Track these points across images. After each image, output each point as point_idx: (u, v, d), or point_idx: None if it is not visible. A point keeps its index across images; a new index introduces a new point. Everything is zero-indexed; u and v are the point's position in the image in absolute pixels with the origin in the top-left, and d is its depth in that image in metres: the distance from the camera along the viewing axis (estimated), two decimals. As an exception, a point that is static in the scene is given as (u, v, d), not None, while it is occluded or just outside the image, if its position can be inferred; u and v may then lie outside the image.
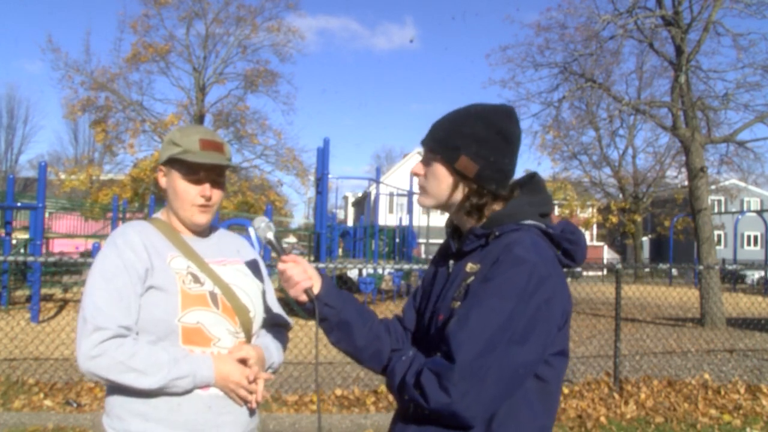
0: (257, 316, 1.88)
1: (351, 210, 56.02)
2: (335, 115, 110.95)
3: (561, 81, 15.75)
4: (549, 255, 1.47)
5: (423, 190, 1.61)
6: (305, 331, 8.18)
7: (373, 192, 21.24)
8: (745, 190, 36.93)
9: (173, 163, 1.81)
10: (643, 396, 6.16)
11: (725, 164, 18.14)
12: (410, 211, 21.38)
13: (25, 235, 15.08)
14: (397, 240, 19.89)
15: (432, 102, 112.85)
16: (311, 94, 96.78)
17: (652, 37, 14.43)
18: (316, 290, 1.59)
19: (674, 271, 30.05)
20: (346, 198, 56.95)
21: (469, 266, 1.50)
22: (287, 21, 33.35)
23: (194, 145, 1.79)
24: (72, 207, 22.45)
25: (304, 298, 1.59)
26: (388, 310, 13.96)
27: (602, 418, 5.51)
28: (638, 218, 36.68)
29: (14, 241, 14.32)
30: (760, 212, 29.18)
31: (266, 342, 1.90)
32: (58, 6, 75.54)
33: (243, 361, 1.75)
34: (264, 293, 1.96)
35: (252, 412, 1.83)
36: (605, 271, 30.74)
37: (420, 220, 27.95)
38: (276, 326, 2.01)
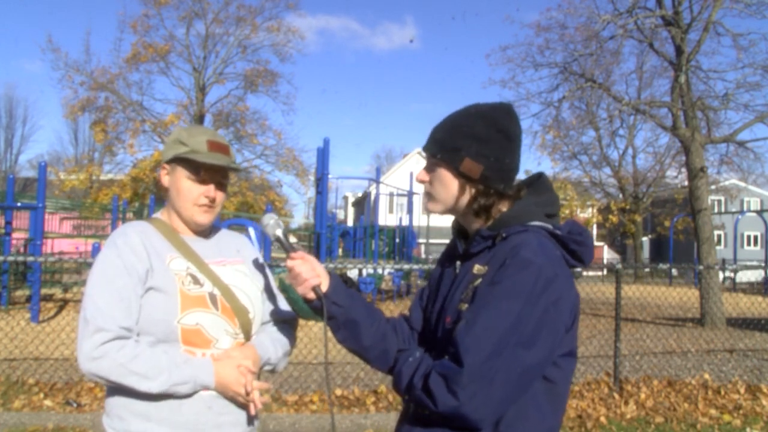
0: (257, 317, 1.88)
1: (351, 210, 56.01)
2: (335, 115, 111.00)
3: (561, 81, 15.75)
4: (556, 256, 1.47)
5: (430, 196, 1.60)
6: (305, 332, 8.18)
7: (373, 192, 21.24)
8: (745, 190, 36.92)
9: (179, 162, 1.81)
10: (643, 396, 6.16)
11: (725, 164, 18.13)
12: (410, 211, 21.38)
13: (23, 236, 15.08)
14: (397, 240, 19.89)
15: (432, 102, 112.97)
16: (311, 94, 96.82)
17: (652, 37, 14.43)
18: (324, 288, 1.59)
19: (674, 271, 30.04)
20: (346, 198, 56.95)
21: (476, 268, 1.50)
22: (287, 21, 33.45)
23: (202, 145, 1.79)
24: (72, 207, 22.46)
25: (312, 295, 1.59)
26: (388, 310, 13.95)
27: (602, 418, 5.51)
28: (638, 218, 36.68)
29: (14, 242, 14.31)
30: (760, 212, 29.17)
31: (260, 339, 1.88)
32: (58, 6, 75.55)
33: (239, 369, 1.75)
34: (264, 293, 1.95)
35: (253, 412, 1.83)
36: (605, 271, 30.71)
37: (420, 220, 27.95)
38: (280, 323, 2.00)
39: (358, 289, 14.34)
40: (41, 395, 5.74)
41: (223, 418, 1.75)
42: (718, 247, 22.80)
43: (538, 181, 1.61)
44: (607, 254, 48.43)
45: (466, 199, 1.55)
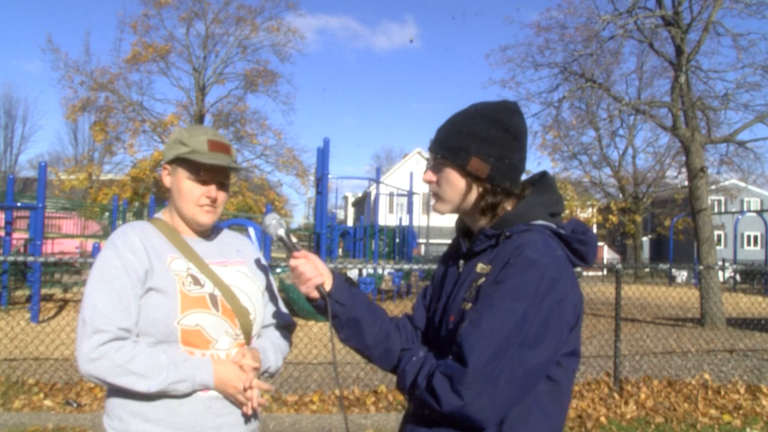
0: (258, 317, 1.87)
1: (351, 210, 56.02)
2: (335, 115, 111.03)
3: (561, 81, 15.75)
4: (560, 256, 1.47)
5: (437, 196, 1.60)
6: (305, 332, 8.19)
7: (373, 192, 21.24)
8: (745, 190, 36.93)
9: (180, 162, 1.80)
10: (643, 396, 6.15)
11: (725, 164, 18.16)
12: (410, 211, 21.38)
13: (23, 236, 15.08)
14: (397, 240, 19.89)
15: (432, 102, 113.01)
16: (311, 94, 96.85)
17: (652, 37, 14.43)
18: (327, 287, 1.59)
19: (674, 271, 30.05)
20: (346, 198, 56.96)
21: (480, 267, 1.50)
22: (287, 21, 33.44)
23: (202, 145, 1.78)
24: (72, 207, 22.46)
25: (315, 294, 1.59)
26: (388, 310, 13.90)
27: (602, 418, 5.51)
28: (638, 218, 36.65)
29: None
30: (760, 212, 29.18)
31: (263, 345, 1.88)
32: (58, 6, 75.53)
33: (242, 367, 1.75)
34: (265, 294, 1.95)
35: (252, 413, 1.83)
36: (605, 271, 30.71)
37: (420, 220, 27.95)
38: (280, 328, 2.00)
39: (358, 290, 14.32)
40: (41, 395, 5.74)
41: (222, 419, 1.75)
42: (718, 247, 22.79)
43: (542, 180, 1.61)
44: (607, 254, 48.43)
45: (473, 198, 1.55)
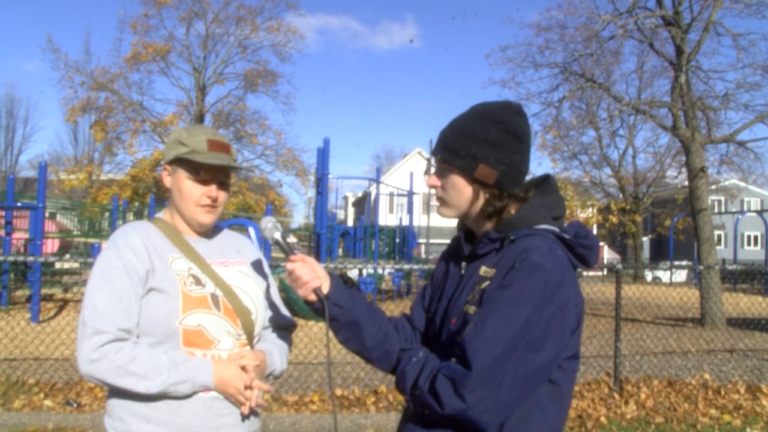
0: (259, 317, 1.87)
1: (351, 210, 56.03)
2: (335, 115, 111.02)
3: (561, 81, 15.74)
4: (563, 260, 1.48)
5: (443, 201, 1.59)
6: (305, 332, 8.19)
7: (373, 192, 21.24)
8: (745, 190, 36.93)
9: (180, 162, 1.80)
10: (643, 396, 6.15)
11: (725, 164, 18.16)
12: (410, 211, 21.38)
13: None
14: (397, 240, 19.88)
15: (432, 102, 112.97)
16: (311, 94, 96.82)
17: (652, 37, 14.43)
18: (325, 290, 1.58)
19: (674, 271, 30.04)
20: (346, 198, 56.96)
21: (483, 270, 1.50)
22: (287, 21, 33.43)
23: (202, 145, 1.78)
24: (72, 207, 22.45)
25: (313, 297, 1.58)
26: (388, 310, 13.95)
27: (602, 418, 5.51)
28: (638, 218, 36.65)
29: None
30: (760, 212, 29.16)
31: (269, 347, 1.89)
32: (58, 6, 75.52)
33: (243, 367, 1.75)
34: (266, 294, 1.95)
35: (253, 413, 1.83)
36: (605, 271, 30.70)
37: (420, 220, 27.95)
38: (280, 329, 2.00)
39: (358, 290, 14.34)
40: (41, 395, 5.74)
41: (223, 420, 1.74)
42: (718, 247, 22.79)
43: (545, 182, 1.60)
44: (608, 254, 48.44)
45: (479, 203, 1.55)
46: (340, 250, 20.91)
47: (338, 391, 6.15)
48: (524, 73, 16.33)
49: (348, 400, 5.96)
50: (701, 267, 9.44)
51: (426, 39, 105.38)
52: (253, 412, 1.82)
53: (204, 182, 1.80)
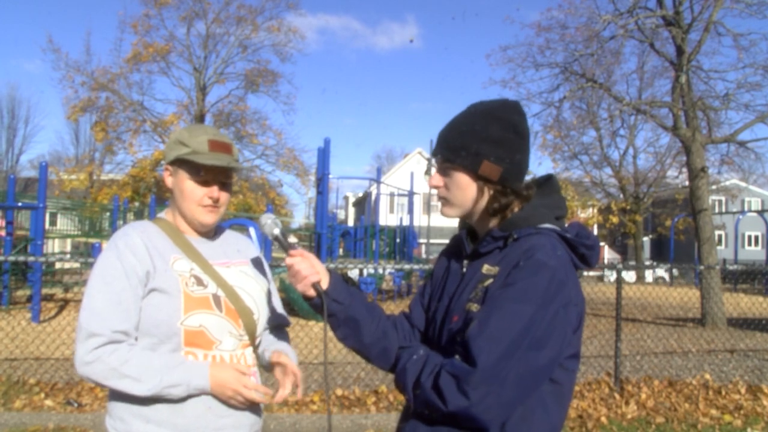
0: (261, 318, 1.87)
1: (352, 210, 56.01)
2: (336, 115, 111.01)
3: (562, 81, 15.73)
4: (566, 259, 1.48)
5: (446, 201, 1.59)
6: (306, 331, 8.19)
7: (374, 192, 21.24)
8: (746, 191, 36.89)
9: (181, 163, 1.80)
10: (643, 396, 6.15)
11: (726, 164, 18.13)
12: (411, 211, 21.37)
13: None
14: (398, 240, 19.88)
15: (433, 101, 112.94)
16: (312, 94, 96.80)
17: (652, 38, 14.42)
18: (324, 285, 1.58)
19: (675, 271, 30.02)
20: (346, 198, 56.94)
21: (486, 268, 1.50)
22: (288, 21, 33.41)
23: (203, 145, 1.77)
24: (72, 207, 22.46)
25: (312, 292, 1.58)
26: (389, 310, 13.91)
27: (603, 419, 5.51)
28: (639, 218, 36.63)
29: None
30: (760, 212, 29.15)
31: (284, 348, 1.91)
32: (58, 6, 75.55)
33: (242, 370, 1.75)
34: (267, 294, 1.95)
35: (255, 414, 1.83)
36: (606, 271, 30.70)
37: (420, 220, 27.94)
38: (279, 327, 2.01)
39: (358, 289, 14.34)
40: (42, 395, 5.75)
41: (224, 421, 1.74)
42: (718, 248, 22.79)
43: (547, 183, 1.61)
44: (608, 254, 48.41)
45: (484, 201, 1.55)
46: (341, 250, 20.91)
47: (339, 391, 6.15)
48: (525, 73, 16.33)
49: (348, 400, 5.96)
50: (702, 267, 9.44)
51: (427, 39, 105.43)
52: (254, 414, 1.82)
53: (205, 183, 1.80)
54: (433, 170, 1.63)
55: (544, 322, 1.37)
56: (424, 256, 31.42)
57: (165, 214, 1.90)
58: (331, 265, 8.95)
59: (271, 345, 1.92)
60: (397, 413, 5.53)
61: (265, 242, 12.57)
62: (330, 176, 13.52)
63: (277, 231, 1.74)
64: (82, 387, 5.94)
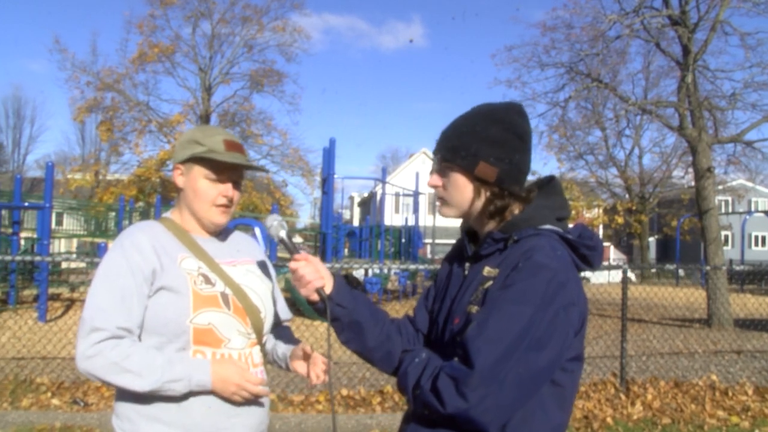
0: (268, 316, 1.88)
1: (357, 210, 56.07)
2: (341, 115, 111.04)
3: (567, 81, 15.69)
4: (567, 261, 1.47)
5: (444, 201, 1.60)
6: (311, 331, 8.19)
7: (379, 192, 21.24)
8: (753, 191, 36.82)
9: (196, 161, 1.80)
10: (649, 397, 6.13)
11: (732, 164, 18.12)
12: (416, 211, 21.37)
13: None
14: (403, 240, 19.88)
15: (438, 101, 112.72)
16: (317, 94, 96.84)
17: (658, 37, 14.38)
18: (327, 290, 1.59)
19: (681, 272, 29.92)
20: (352, 198, 57.02)
21: (487, 270, 1.50)
22: (293, 21, 33.46)
23: (219, 145, 1.78)
24: (78, 206, 22.55)
25: (315, 297, 1.59)
26: (394, 310, 13.95)
27: (608, 419, 5.50)
28: (644, 219, 36.54)
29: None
30: (767, 213, 29.03)
31: (297, 342, 1.93)
32: (64, 7, 75.89)
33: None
34: (272, 292, 1.96)
35: (261, 414, 1.83)
36: (611, 272, 30.63)
37: (426, 220, 27.93)
38: (283, 324, 2.04)
39: (363, 290, 14.35)
40: (49, 394, 5.77)
41: (232, 420, 1.75)
42: (725, 248, 22.71)
43: (549, 184, 1.60)
44: (614, 255, 48.29)
45: (481, 202, 1.54)
46: (346, 250, 20.92)
47: (344, 391, 6.16)
48: (530, 73, 16.37)
49: (353, 400, 5.96)
50: (708, 267, 9.40)
51: (432, 38, 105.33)
52: (261, 414, 1.82)
53: (221, 181, 1.81)
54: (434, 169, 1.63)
55: (544, 323, 1.36)
56: (429, 256, 31.39)
57: (171, 214, 1.90)
58: (337, 266, 8.96)
59: (280, 341, 1.93)
60: (402, 413, 5.53)
61: (271, 243, 12.60)
62: (335, 176, 13.54)
63: (282, 233, 1.74)
64: (89, 386, 5.96)
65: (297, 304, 10.79)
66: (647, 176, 37.41)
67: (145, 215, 23.91)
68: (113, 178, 33.77)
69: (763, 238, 46.60)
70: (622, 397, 6.17)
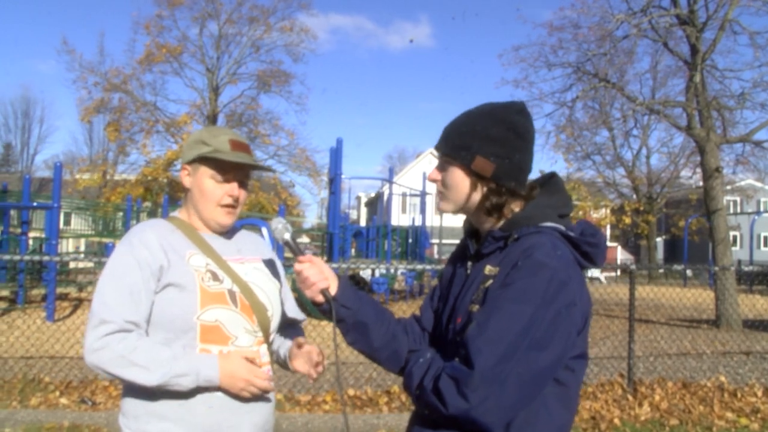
0: (275, 314, 1.88)
1: (364, 210, 56.09)
2: (348, 115, 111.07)
3: (574, 81, 15.64)
4: (569, 258, 1.46)
5: (442, 195, 1.60)
6: (318, 331, 8.21)
7: (386, 192, 21.24)
8: (762, 191, 36.58)
9: (202, 162, 1.81)
10: (657, 398, 6.10)
11: (741, 164, 18.04)
12: (423, 211, 21.34)
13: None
14: (410, 240, 19.87)
15: (446, 101, 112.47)
16: (324, 94, 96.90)
17: (666, 37, 14.31)
18: (332, 291, 1.59)
19: (689, 272, 29.77)
20: (359, 198, 57.01)
21: (488, 269, 1.49)
22: (300, 21, 33.51)
23: (225, 145, 1.79)
24: (86, 206, 22.65)
25: (320, 299, 1.59)
26: (401, 310, 13.95)
27: (616, 420, 5.47)
28: (652, 219, 36.39)
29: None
30: (776, 213, 28.84)
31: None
32: (72, 7, 76.29)
33: (251, 360, 1.75)
34: (280, 291, 1.96)
35: (267, 412, 1.83)
36: (619, 272, 30.52)
37: (433, 220, 27.90)
38: (294, 323, 2.03)
39: (370, 290, 14.35)
40: (57, 393, 5.80)
41: (240, 418, 1.75)
42: (733, 248, 22.59)
43: (550, 181, 1.60)
44: (621, 255, 48.11)
45: (477, 197, 1.54)
46: (353, 251, 20.92)
47: (351, 391, 6.16)
48: (537, 72, 16.29)
49: (360, 400, 5.96)
50: (716, 268, 9.35)
51: (440, 38, 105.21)
52: (268, 412, 1.82)
53: (227, 181, 1.82)
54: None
55: (545, 322, 1.35)
56: (436, 256, 31.36)
57: (179, 213, 1.91)
58: (344, 266, 8.96)
59: (285, 342, 1.93)
60: (409, 414, 5.52)
61: (277, 244, 12.62)
62: (342, 176, 13.55)
63: (287, 236, 1.74)
64: (97, 386, 5.99)
65: (305, 304, 10.80)
66: (655, 176, 37.27)
67: (152, 215, 23.98)
68: (121, 178, 33.90)
69: (772, 239, 46.29)
70: (630, 397, 6.14)
